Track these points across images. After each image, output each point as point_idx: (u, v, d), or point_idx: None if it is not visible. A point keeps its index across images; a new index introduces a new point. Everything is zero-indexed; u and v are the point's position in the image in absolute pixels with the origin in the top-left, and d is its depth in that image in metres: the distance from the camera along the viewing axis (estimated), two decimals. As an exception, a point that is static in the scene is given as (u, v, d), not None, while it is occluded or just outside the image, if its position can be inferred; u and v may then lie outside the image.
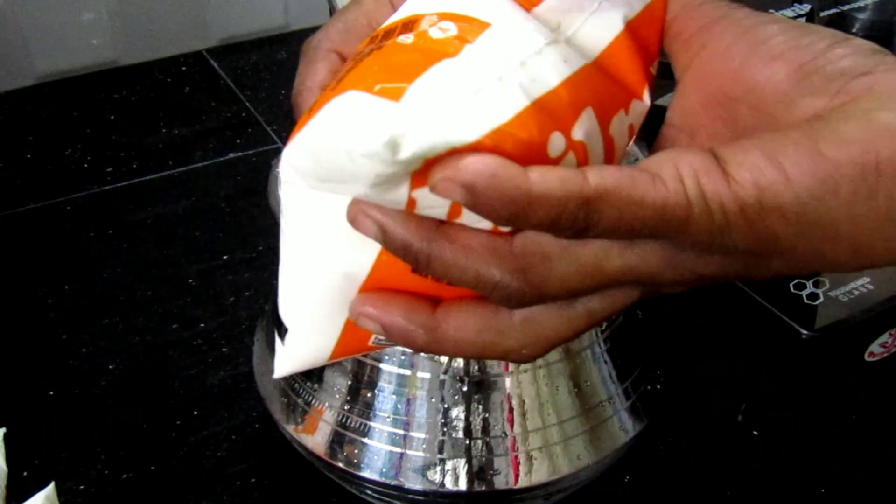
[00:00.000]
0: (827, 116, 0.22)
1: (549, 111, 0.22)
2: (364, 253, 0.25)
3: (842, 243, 0.22)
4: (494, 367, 0.35)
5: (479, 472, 0.36)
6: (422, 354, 0.35)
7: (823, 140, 0.21)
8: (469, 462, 0.36)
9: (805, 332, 0.40)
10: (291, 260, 0.27)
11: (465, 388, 0.35)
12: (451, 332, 0.25)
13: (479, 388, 0.35)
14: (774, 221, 0.21)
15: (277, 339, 0.30)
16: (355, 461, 0.37)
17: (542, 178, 0.20)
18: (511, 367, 0.35)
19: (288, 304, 0.29)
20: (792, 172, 0.21)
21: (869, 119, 0.21)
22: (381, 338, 0.27)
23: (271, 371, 0.40)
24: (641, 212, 0.21)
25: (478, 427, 0.35)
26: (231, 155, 0.71)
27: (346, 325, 0.28)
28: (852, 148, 0.21)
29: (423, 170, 0.21)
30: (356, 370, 0.37)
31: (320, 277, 0.26)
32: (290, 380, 0.39)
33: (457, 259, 0.23)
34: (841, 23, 0.62)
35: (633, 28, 0.27)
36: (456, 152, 0.20)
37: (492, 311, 0.25)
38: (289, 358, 0.30)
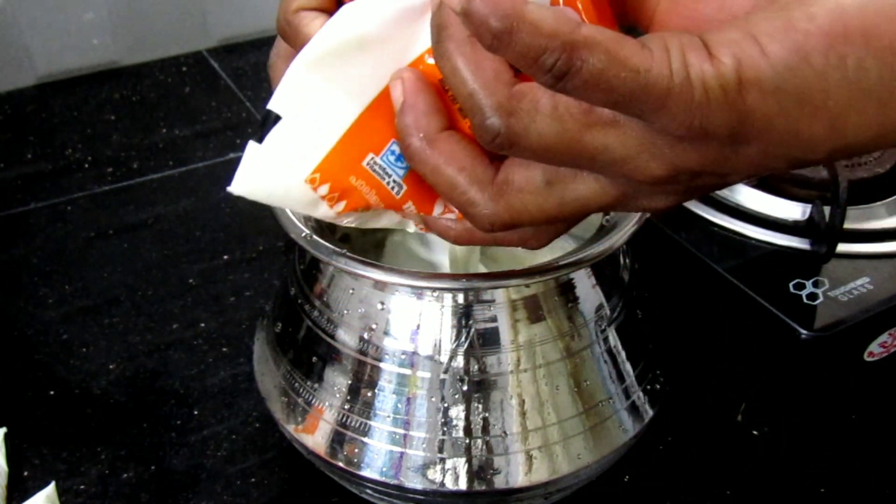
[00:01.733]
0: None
1: None
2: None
3: (817, 117, 0.22)
4: (495, 366, 0.35)
5: (479, 472, 0.36)
6: (422, 354, 0.35)
7: (794, 16, 0.22)
8: (469, 461, 0.36)
9: (805, 332, 0.40)
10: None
11: (465, 388, 0.35)
12: (444, 150, 0.26)
13: (479, 387, 0.35)
14: (753, 97, 0.21)
15: (250, 145, 0.27)
16: (355, 460, 0.37)
17: (539, 10, 0.22)
18: (510, 366, 0.35)
19: (299, 82, 0.26)
20: (767, 45, 0.21)
21: None
22: (375, 161, 0.27)
23: (271, 370, 0.40)
24: (624, 73, 0.21)
25: (478, 426, 0.35)
26: (231, 155, 0.71)
27: (353, 128, 0.27)
28: (821, 19, 0.21)
29: None
30: (356, 370, 0.37)
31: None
32: (291, 379, 0.39)
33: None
34: None
35: None
36: None
37: (479, 161, 0.26)
38: (262, 164, 0.27)
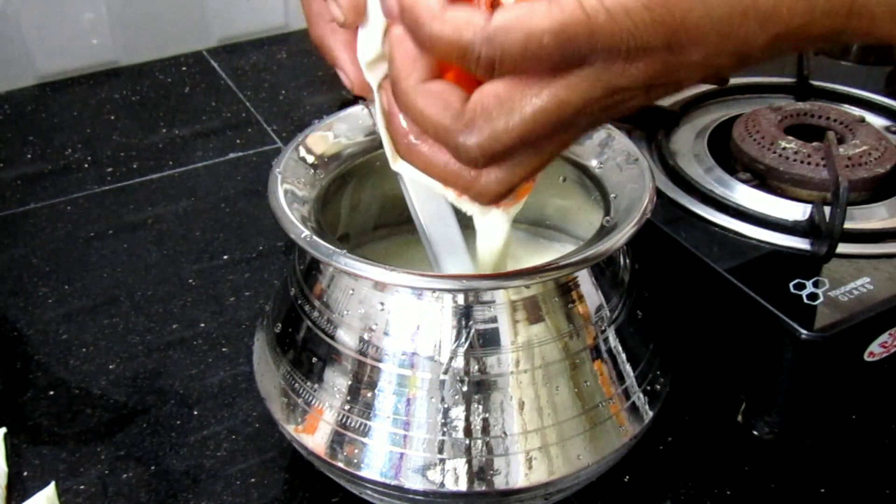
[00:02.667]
0: None
1: None
2: None
3: (747, 15, 0.23)
4: (495, 367, 0.35)
5: (479, 472, 0.36)
6: (422, 355, 0.35)
7: None
8: (469, 462, 0.36)
9: (805, 332, 0.40)
10: None
11: (465, 389, 0.35)
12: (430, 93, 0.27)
13: (479, 388, 0.35)
14: (677, 5, 0.22)
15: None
16: (355, 461, 0.37)
17: (451, 15, 0.24)
18: (510, 367, 0.35)
19: None
20: None
21: None
22: None
23: (271, 371, 0.40)
24: (544, 38, 0.23)
25: (478, 427, 0.35)
26: (231, 155, 0.71)
27: None
28: None
29: None
30: (356, 370, 0.37)
31: None
32: (290, 380, 0.39)
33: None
34: None
35: None
36: None
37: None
38: None
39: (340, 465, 0.37)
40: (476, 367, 0.35)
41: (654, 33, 0.23)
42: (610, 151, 0.42)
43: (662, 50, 0.23)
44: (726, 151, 0.52)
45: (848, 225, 0.43)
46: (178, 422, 0.47)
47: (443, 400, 0.35)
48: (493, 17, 0.23)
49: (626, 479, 0.44)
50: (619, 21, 0.22)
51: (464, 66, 0.24)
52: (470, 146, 0.26)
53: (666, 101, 0.55)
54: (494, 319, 0.35)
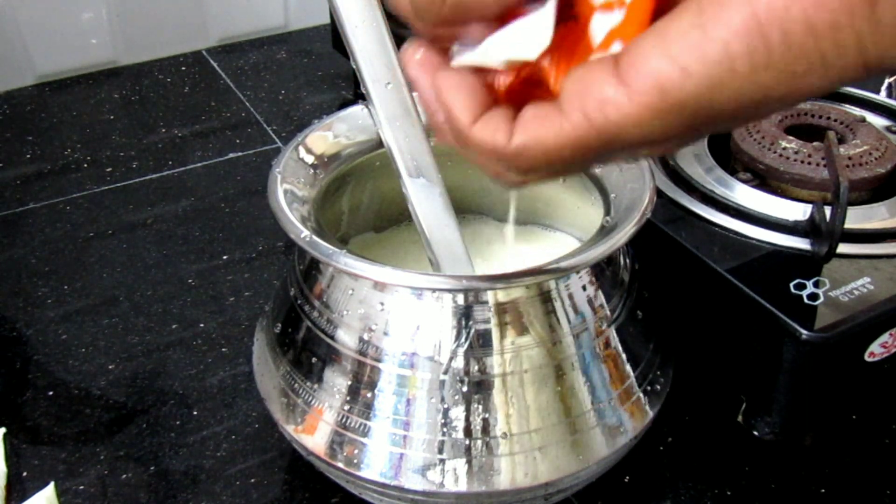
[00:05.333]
0: None
1: None
2: None
3: (760, 109, 0.23)
4: (494, 367, 0.35)
5: (479, 472, 0.36)
6: (421, 355, 0.35)
7: (709, 24, 0.22)
8: (469, 462, 0.36)
9: (805, 332, 0.40)
10: None
11: (465, 389, 0.35)
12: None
13: (479, 388, 0.35)
14: (687, 112, 0.22)
15: None
16: (355, 461, 0.37)
17: (477, 134, 0.26)
18: (511, 367, 0.35)
19: None
20: (688, 65, 0.22)
21: None
22: None
23: (270, 371, 0.40)
24: (563, 152, 0.24)
25: (478, 427, 0.35)
26: (231, 155, 0.71)
27: None
28: (734, 18, 0.21)
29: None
30: (356, 370, 0.37)
31: None
32: (290, 380, 0.39)
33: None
34: None
35: None
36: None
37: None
38: None
39: (340, 465, 0.37)
40: (476, 368, 0.35)
41: (663, 130, 0.23)
42: (610, 151, 0.41)
43: (684, 133, 0.24)
44: (726, 151, 0.52)
45: (848, 225, 0.43)
46: (178, 422, 0.47)
47: (443, 400, 0.35)
48: (513, 137, 0.25)
49: (626, 480, 0.44)
50: (626, 131, 0.23)
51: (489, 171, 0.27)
52: (511, 178, 0.27)
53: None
54: (494, 320, 0.35)
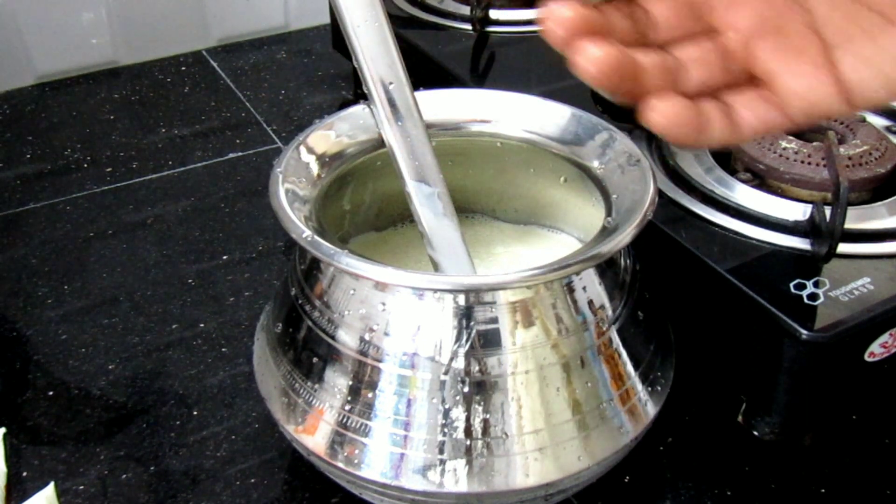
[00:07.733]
0: None
1: None
2: None
3: None
4: (495, 367, 0.35)
5: (480, 473, 0.36)
6: (422, 355, 0.35)
7: None
8: (469, 463, 0.36)
9: (805, 332, 0.40)
10: None
11: (465, 389, 0.35)
12: None
13: (479, 388, 0.35)
14: None
15: None
16: (356, 461, 0.37)
17: None
18: (511, 367, 0.35)
19: None
20: None
21: None
22: None
23: (271, 371, 0.40)
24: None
25: (478, 428, 0.35)
26: (231, 155, 0.71)
27: None
28: None
29: None
30: (357, 370, 0.37)
31: None
32: (291, 380, 0.39)
33: None
34: None
35: None
36: None
37: None
38: None
39: (340, 465, 0.37)
40: (477, 368, 0.35)
41: None
42: (612, 153, 0.42)
43: None
44: (726, 151, 0.52)
45: (848, 225, 0.43)
46: (178, 422, 0.47)
47: (443, 400, 0.35)
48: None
49: (626, 480, 0.44)
50: None
51: None
52: None
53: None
54: (495, 320, 0.35)
